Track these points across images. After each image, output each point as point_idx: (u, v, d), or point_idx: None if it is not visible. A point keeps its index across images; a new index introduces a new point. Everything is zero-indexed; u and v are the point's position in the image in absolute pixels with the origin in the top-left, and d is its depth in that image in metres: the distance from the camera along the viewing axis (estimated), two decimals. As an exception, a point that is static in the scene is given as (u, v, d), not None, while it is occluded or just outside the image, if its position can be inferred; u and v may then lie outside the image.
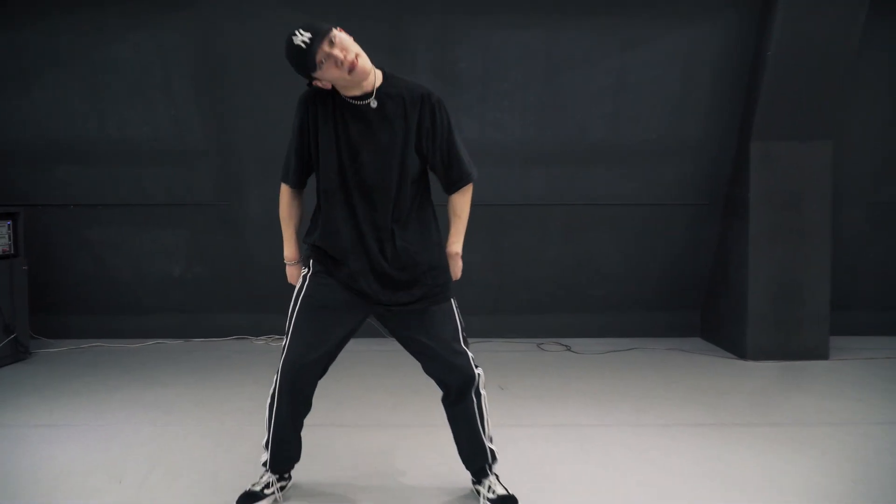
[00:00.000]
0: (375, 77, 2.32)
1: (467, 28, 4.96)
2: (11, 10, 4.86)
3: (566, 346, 5.40)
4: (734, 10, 4.85)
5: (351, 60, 2.19)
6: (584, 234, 5.45)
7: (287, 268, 2.64)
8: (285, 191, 2.56)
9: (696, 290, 5.62)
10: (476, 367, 2.52)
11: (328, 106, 2.33)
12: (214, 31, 4.96)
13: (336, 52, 2.18)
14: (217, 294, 5.59)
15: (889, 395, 4.12)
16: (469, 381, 2.49)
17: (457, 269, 2.58)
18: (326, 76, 2.23)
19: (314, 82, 2.29)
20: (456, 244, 2.55)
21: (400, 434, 3.46)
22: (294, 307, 2.46)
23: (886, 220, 5.47)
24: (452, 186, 2.49)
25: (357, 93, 2.30)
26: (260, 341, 5.51)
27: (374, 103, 2.31)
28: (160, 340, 5.51)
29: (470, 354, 2.52)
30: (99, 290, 5.53)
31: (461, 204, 2.52)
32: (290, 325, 2.46)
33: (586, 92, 5.07)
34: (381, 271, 2.40)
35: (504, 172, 5.23)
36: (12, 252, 4.84)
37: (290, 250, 2.60)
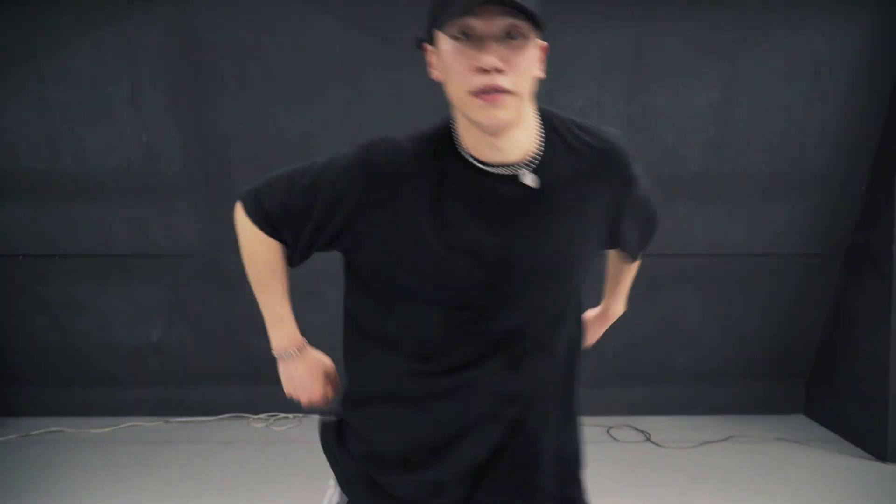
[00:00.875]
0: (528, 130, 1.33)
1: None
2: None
3: (644, 433, 4.33)
4: (878, 5, 3.82)
5: (493, 84, 1.19)
6: (669, 290, 4.48)
7: (283, 364, 1.62)
8: (269, 243, 1.50)
9: (801, 357, 4.65)
10: None
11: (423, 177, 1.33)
12: (197, 27, 4.05)
13: (490, 53, 1.19)
14: (204, 363, 4.68)
15: None
16: None
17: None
18: (448, 64, 1.25)
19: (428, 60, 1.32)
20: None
21: None
22: None
23: None
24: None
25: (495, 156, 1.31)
26: (259, 423, 4.50)
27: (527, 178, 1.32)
28: (134, 422, 4.51)
29: None
30: (58, 359, 4.61)
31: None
32: None
33: (682, 111, 4.13)
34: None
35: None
36: (-60, 318, 3.81)
37: (286, 328, 1.60)
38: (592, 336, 1.80)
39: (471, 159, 1.30)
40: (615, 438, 4.27)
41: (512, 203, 1.30)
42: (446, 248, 1.29)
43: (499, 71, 1.18)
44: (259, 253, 1.50)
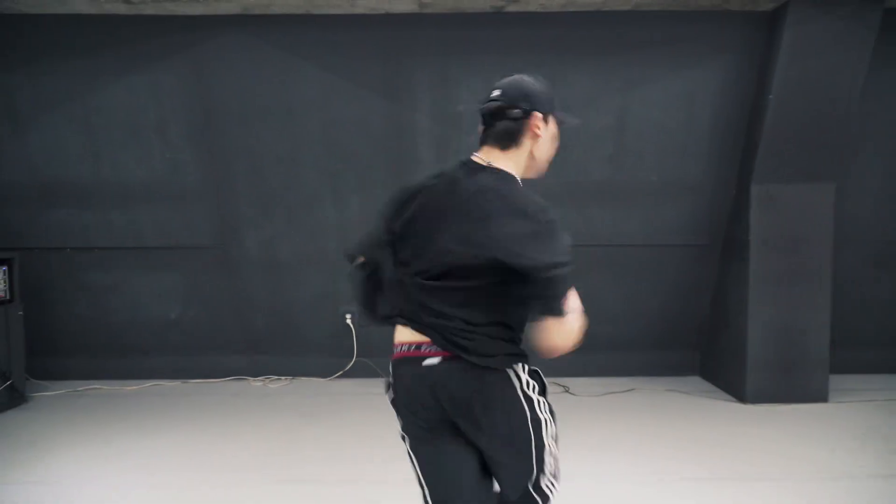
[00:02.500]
0: None
1: (467, 70, 4.92)
2: (4, 52, 4.83)
3: (564, 387, 5.36)
4: (736, 53, 4.82)
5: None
6: (584, 274, 5.35)
7: None
8: None
9: (695, 329, 5.60)
10: None
11: None
12: (209, 73, 4.94)
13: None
14: (214, 336, 5.57)
15: (889, 442, 4.08)
16: None
17: None
18: (552, 138, 2.03)
19: (535, 125, 1.95)
20: None
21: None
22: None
23: (890, 260, 5.42)
24: None
25: None
26: (257, 383, 5.48)
27: None
28: (157, 382, 5.49)
29: None
30: (96, 332, 5.51)
31: None
32: None
33: (587, 133, 5.02)
34: None
35: (503, 213, 5.19)
36: (7, 298, 4.82)
37: None
38: None
39: None
40: (541, 392, 5.30)
41: None
42: None
43: None
44: None
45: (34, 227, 5.27)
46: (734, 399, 5.05)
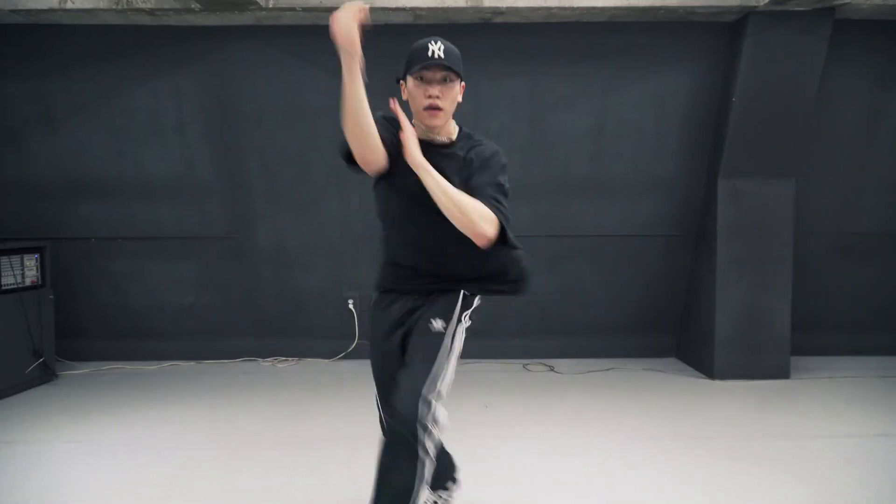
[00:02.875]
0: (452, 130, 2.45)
1: (457, 75, 5.38)
2: (40, 62, 5.30)
3: (550, 366, 5.81)
4: (703, 60, 5.28)
5: (434, 103, 2.31)
6: (568, 263, 5.87)
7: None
8: None
9: (671, 313, 6.04)
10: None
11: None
12: (225, 79, 5.41)
13: (434, 88, 2.31)
14: (226, 320, 6.02)
15: (841, 411, 4.53)
16: None
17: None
18: (412, 93, 2.35)
19: (402, 90, 2.39)
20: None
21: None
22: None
23: (850, 249, 5.87)
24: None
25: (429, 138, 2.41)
26: (266, 363, 5.93)
27: (446, 149, 2.42)
28: (175, 362, 5.94)
29: None
30: (119, 316, 5.96)
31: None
32: None
33: (569, 133, 5.49)
34: None
35: (492, 206, 5.64)
36: (40, 283, 5.28)
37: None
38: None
39: (419, 136, 2.32)
40: (529, 370, 5.73)
41: (431, 156, 2.27)
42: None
43: (437, 98, 2.29)
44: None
45: (64, 219, 5.73)
46: (704, 376, 5.50)
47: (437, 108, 2.31)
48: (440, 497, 2.63)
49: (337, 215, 5.76)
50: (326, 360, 5.98)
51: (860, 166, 5.63)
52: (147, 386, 5.25)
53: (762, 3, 4.66)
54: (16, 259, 5.07)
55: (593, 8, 4.75)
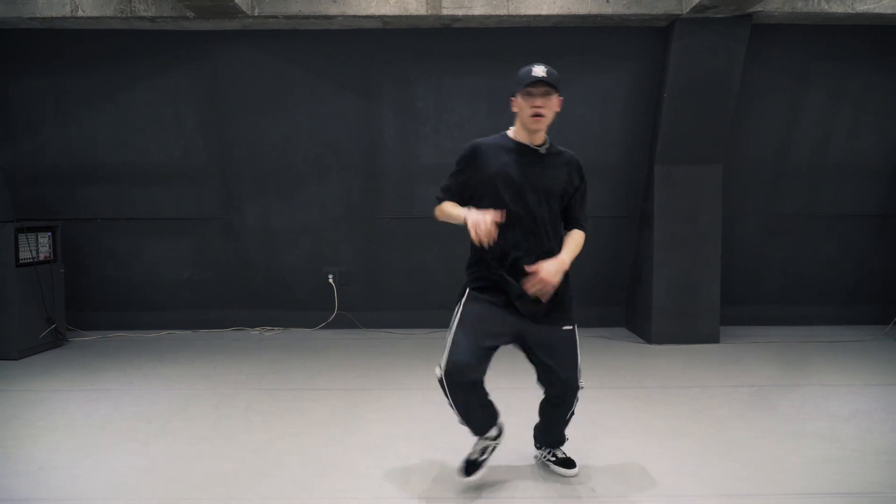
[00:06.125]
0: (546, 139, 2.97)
1: (423, 73, 6.06)
2: (53, 63, 5.97)
3: (509, 334, 6.46)
4: (640, 60, 5.94)
5: (538, 111, 2.81)
6: None
7: (469, 217, 2.83)
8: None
9: (620, 287, 6.71)
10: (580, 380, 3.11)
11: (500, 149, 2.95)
12: (217, 76, 6.07)
13: (538, 101, 2.81)
14: (219, 293, 6.67)
15: (755, 368, 5.20)
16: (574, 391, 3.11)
17: (552, 270, 2.84)
18: (521, 105, 2.85)
19: (512, 104, 2.90)
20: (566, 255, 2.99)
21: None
22: None
23: (776, 229, 6.54)
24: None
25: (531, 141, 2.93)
26: (255, 332, 6.60)
27: (543, 150, 2.95)
28: (173, 331, 6.61)
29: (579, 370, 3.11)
30: (122, 290, 6.62)
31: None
32: None
33: None
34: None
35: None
36: (52, 258, 5.94)
37: (462, 210, 2.92)
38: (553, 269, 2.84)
39: (521, 141, 2.92)
40: (489, 338, 6.41)
41: (533, 159, 2.91)
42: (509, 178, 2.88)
43: (540, 107, 2.79)
44: (447, 206, 2.95)
45: (73, 202, 6.39)
46: (643, 342, 6.18)
47: (540, 115, 2.81)
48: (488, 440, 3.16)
49: (316, 198, 6.42)
50: (309, 329, 6.65)
51: (783, 153, 6.30)
52: (147, 350, 5.91)
53: (685, 12, 5.32)
54: (31, 237, 5.72)
55: (538, 16, 5.42)
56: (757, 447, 3.57)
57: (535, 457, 3.45)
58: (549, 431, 3.30)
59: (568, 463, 3.29)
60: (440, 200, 2.99)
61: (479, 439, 3.11)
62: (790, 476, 3.20)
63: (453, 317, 3.00)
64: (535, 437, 3.40)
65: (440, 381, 2.91)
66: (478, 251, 2.96)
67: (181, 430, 3.88)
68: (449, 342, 2.93)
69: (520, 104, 2.86)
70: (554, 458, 3.33)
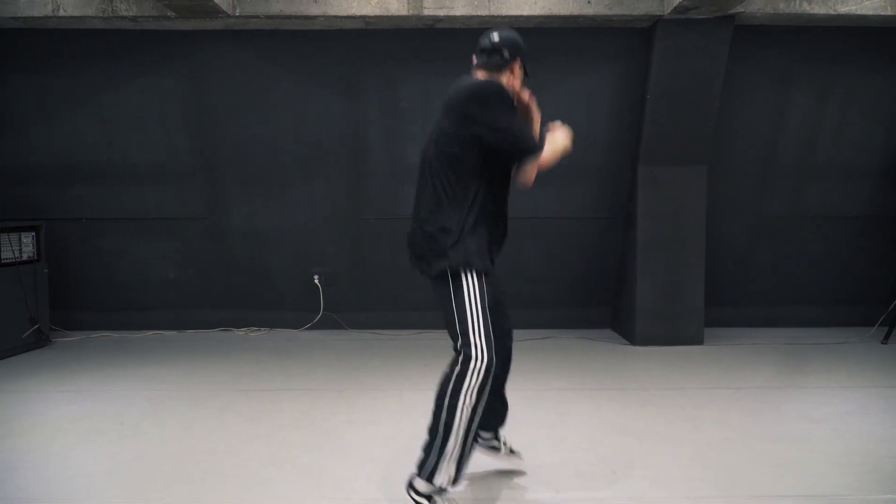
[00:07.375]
0: None
1: (407, 73, 6.06)
2: (36, 62, 5.98)
3: (494, 335, 6.45)
4: (624, 60, 5.93)
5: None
6: (512, 242, 6.45)
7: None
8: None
9: (605, 289, 6.70)
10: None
11: None
12: (201, 76, 6.06)
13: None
14: (204, 293, 6.67)
15: (736, 369, 5.18)
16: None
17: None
18: (517, 71, 2.99)
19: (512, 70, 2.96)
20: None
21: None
22: None
23: (761, 230, 6.53)
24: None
25: None
26: (240, 332, 6.60)
27: None
28: (158, 332, 6.61)
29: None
30: (107, 290, 6.63)
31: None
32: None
33: None
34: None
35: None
36: (35, 258, 5.94)
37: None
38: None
39: None
40: (473, 339, 6.40)
41: None
42: None
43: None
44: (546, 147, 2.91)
45: (57, 201, 6.38)
46: (628, 343, 6.17)
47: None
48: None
49: (301, 198, 6.42)
50: (295, 330, 6.65)
51: (768, 155, 6.29)
52: (131, 351, 5.91)
53: (667, 13, 5.31)
54: (14, 236, 5.72)
55: (520, 16, 5.41)
56: (727, 449, 3.56)
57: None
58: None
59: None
60: (540, 149, 2.86)
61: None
62: (755, 478, 3.19)
63: (471, 292, 2.73)
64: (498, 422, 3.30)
65: (478, 369, 2.67)
66: (486, 222, 2.88)
67: (153, 430, 3.88)
68: (481, 321, 2.70)
69: (516, 71, 2.98)
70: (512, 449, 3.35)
